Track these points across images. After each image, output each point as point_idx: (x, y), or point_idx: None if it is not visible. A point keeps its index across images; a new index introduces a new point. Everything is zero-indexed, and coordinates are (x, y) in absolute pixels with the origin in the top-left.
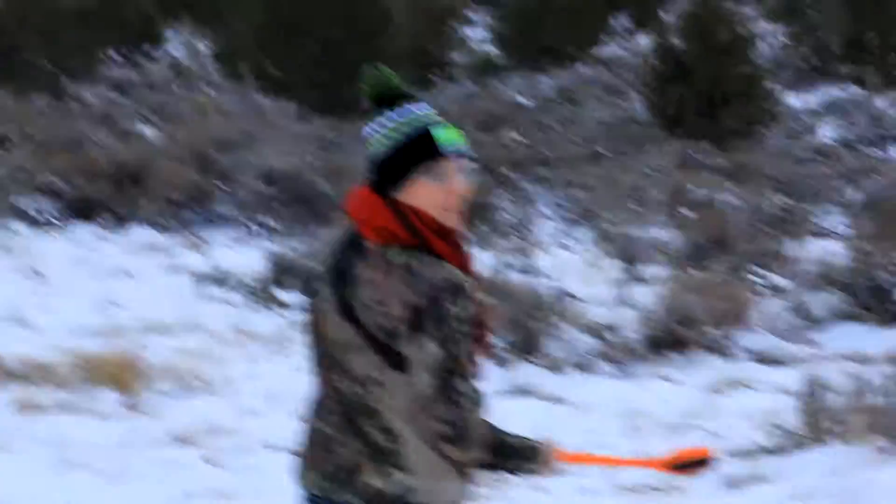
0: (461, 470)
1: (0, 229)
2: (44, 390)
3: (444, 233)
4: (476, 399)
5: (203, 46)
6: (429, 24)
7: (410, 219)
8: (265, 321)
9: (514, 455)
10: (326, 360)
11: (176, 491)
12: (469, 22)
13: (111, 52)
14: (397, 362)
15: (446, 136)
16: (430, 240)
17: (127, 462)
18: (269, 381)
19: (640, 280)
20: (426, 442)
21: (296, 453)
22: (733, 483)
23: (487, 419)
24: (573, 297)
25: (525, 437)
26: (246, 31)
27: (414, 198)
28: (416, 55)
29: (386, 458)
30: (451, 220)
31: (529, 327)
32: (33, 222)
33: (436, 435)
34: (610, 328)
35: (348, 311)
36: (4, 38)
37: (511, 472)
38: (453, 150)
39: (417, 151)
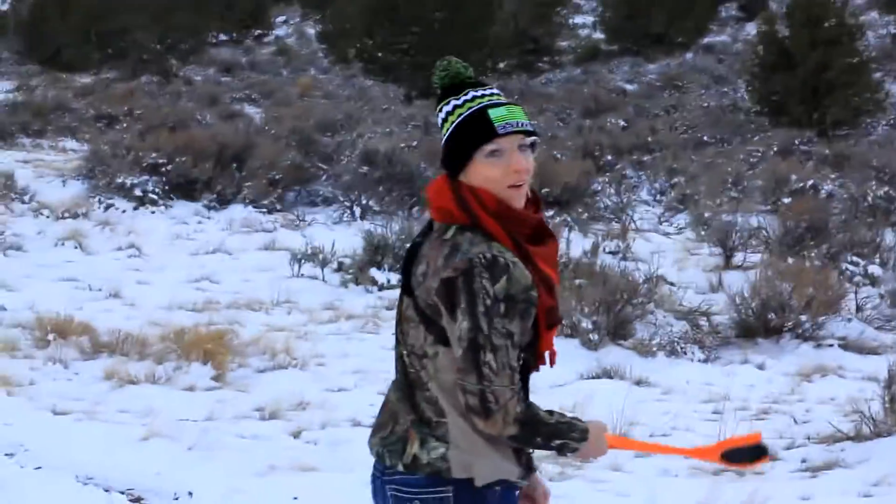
0: (500, 445)
1: (104, 207)
2: (135, 362)
3: (503, 212)
4: (509, 375)
5: (311, 30)
6: (535, 10)
7: (466, 199)
8: (358, 300)
9: (558, 434)
10: (398, 332)
11: (260, 464)
12: (577, 9)
13: (220, 35)
14: (442, 338)
15: (501, 114)
16: (482, 219)
17: (213, 434)
18: (358, 358)
19: (736, 266)
20: (460, 415)
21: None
22: (812, 468)
23: (528, 399)
24: (668, 282)
25: (572, 418)
26: (353, 15)
27: (475, 178)
28: (523, 41)
29: (431, 429)
30: (516, 198)
31: (620, 311)
32: (137, 200)
33: (465, 406)
34: (702, 313)
35: (407, 286)
36: (115, 20)
37: (556, 450)
38: (509, 128)
39: (474, 132)
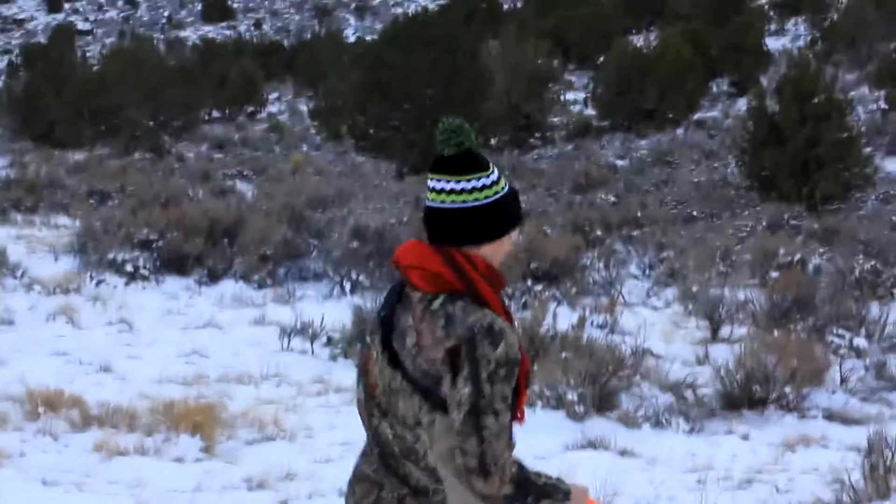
0: None
1: (96, 282)
2: (124, 435)
3: (492, 276)
4: (507, 437)
5: (303, 106)
6: (528, 86)
7: (462, 265)
8: (347, 373)
9: (545, 494)
10: (373, 405)
11: None
12: (568, 85)
13: (212, 111)
14: (440, 405)
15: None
16: (479, 285)
17: None
18: (346, 430)
19: (723, 340)
20: (457, 477)
21: (344, 492)
22: None
23: (517, 459)
24: (654, 354)
25: (557, 479)
26: (345, 91)
27: (490, 251)
28: (515, 117)
29: (429, 497)
30: (499, 271)
31: (606, 383)
32: (128, 275)
33: (463, 468)
34: (687, 385)
35: (393, 358)
36: (108, 97)
37: None
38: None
39: (514, 212)
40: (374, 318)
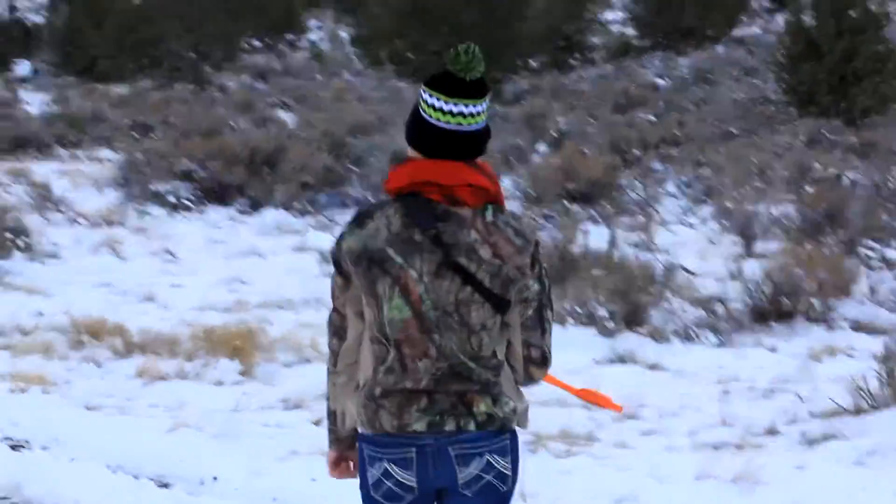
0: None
1: (139, 213)
2: (165, 360)
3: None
4: (551, 328)
5: (344, 33)
6: (566, 7)
7: (494, 174)
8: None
9: None
10: (430, 325)
11: (282, 449)
12: (607, 5)
13: (253, 41)
14: (504, 308)
15: None
16: (500, 194)
17: (238, 424)
18: None
19: (756, 255)
20: (516, 369)
21: (373, 399)
22: (811, 441)
23: None
24: (687, 271)
25: None
26: (385, 17)
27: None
28: (554, 39)
29: (492, 390)
30: None
31: (635, 299)
32: (170, 206)
33: (528, 359)
34: (718, 300)
35: (460, 272)
36: (149, 29)
37: None
38: None
39: None
40: (396, 242)
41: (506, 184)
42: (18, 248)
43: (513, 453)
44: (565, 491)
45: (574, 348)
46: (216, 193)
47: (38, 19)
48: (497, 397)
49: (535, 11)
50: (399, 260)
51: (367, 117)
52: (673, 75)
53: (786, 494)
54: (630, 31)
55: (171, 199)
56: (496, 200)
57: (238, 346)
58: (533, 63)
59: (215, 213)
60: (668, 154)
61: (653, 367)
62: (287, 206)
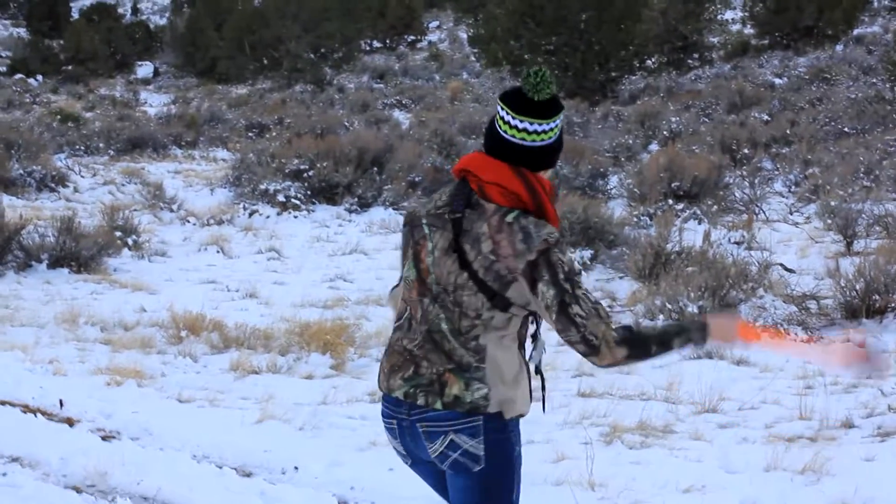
0: (525, 386)
1: (249, 213)
2: (259, 355)
3: (553, 197)
4: (598, 315)
5: (463, 34)
6: (684, 6)
7: (535, 187)
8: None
9: (670, 337)
10: (424, 288)
11: (363, 440)
12: (726, 4)
13: (373, 42)
14: (499, 304)
15: None
16: (546, 202)
17: (324, 416)
18: None
19: (856, 253)
20: (501, 360)
21: (381, 362)
22: (885, 434)
23: (621, 325)
24: (786, 268)
25: (678, 322)
26: (502, 17)
27: (543, 174)
28: (671, 38)
29: (470, 372)
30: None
31: (725, 294)
32: (280, 205)
33: (582, 354)
34: (811, 296)
35: (462, 258)
36: (269, 31)
37: (682, 347)
38: None
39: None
40: (431, 214)
41: (612, 182)
42: (128, 246)
43: (487, 435)
44: (634, 481)
45: None
46: (325, 192)
47: (161, 21)
48: (470, 382)
49: (652, 12)
50: (426, 230)
51: (480, 117)
52: (790, 74)
53: (849, 486)
54: (749, 30)
55: (281, 198)
56: (530, 209)
57: (330, 341)
58: (650, 62)
59: (323, 211)
60: (779, 153)
61: (739, 362)
62: (395, 205)
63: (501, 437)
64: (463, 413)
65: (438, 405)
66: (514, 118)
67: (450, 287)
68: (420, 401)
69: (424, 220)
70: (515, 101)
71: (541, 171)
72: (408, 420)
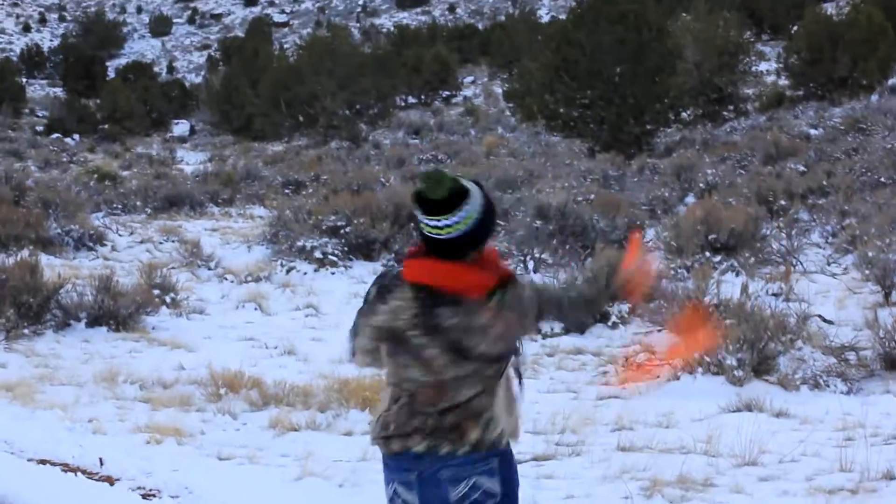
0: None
1: (286, 269)
2: (298, 412)
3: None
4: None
5: (498, 89)
6: (718, 59)
7: (496, 262)
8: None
9: (561, 298)
10: (443, 383)
11: None
12: (760, 56)
13: (408, 98)
14: (508, 359)
15: None
16: (505, 270)
17: (364, 473)
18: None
19: (894, 304)
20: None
21: (388, 428)
22: None
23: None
24: (824, 320)
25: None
26: (537, 72)
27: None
28: (705, 90)
29: (483, 416)
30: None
31: (763, 347)
32: (317, 262)
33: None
34: (850, 348)
35: (463, 354)
36: (305, 88)
37: (588, 305)
38: None
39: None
40: (413, 327)
41: (649, 235)
42: (166, 304)
43: (502, 472)
44: None
45: (702, 396)
46: (362, 248)
47: (196, 79)
48: (487, 423)
49: (686, 64)
50: (419, 342)
51: (515, 171)
52: (825, 125)
53: None
54: (783, 81)
55: (318, 254)
56: (501, 282)
57: (369, 398)
58: (685, 115)
59: (361, 267)
60: (815, 204)
61: (778, 414)
62: None
63: (510, 469)
64: (481, 454)
65: (461, 451)
66: (423, 217)
67: (461, 373)
68: (444, 450)
69: (412, 333)
70: (420, 202)
71: (483, 245)
72: (430, 471)
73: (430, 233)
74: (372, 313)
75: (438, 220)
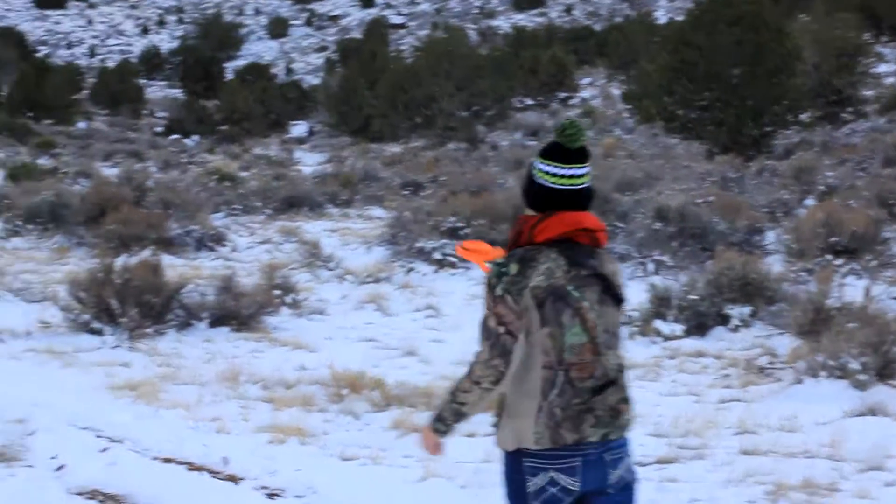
0: None
1: (406, 270)
2: (420, 413)
3: None
4: None
5: (616, 90)
6: (837, 60)
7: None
8: (642, 350)
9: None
10: (598, 345)
11: None
12: (879, 57)
13: (525, 99)
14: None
15: None
16: None
17: (486, 474)
18: (638, 405)
19: None
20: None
21: (555, 416)
22: None
23: None
24: None
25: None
26: (655, 74)
27: None
28: (824, 92)
29: (629, 396)
30: None
31: (888, 351)
32: (437, 263)
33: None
34: None
35: (617, 298)
36: (422, 89)
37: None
38: None
39: None
40: (571, 280)
41: (769, 238)
42: (286, 305)
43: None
44: None
45: (825, 401)
46: None
47: (314, 81)
48: (630, 403)
49: (805, 66)
50: (577, 294)
51: (634, 173)
52: None
53: None
54: None
55: (437, 255)
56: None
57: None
58: (804, 117)
59: (480, 269)
60: None
61: None
62: None
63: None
64: (626, 435)
65: (623, 433)
66: (561, 168)
67: (613, 328)
68: (614, 435)
69: (570, 287)
70: (558, 153)
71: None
72: (595, 454)
73: (569, 184)
74: (524, 280)
75: (581, 168)
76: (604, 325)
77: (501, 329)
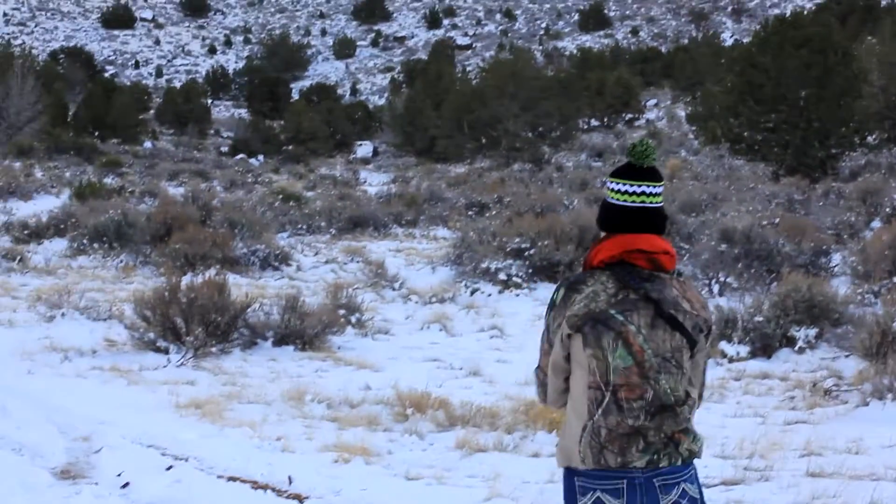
0: None
1: (470, 291)
2: (485, 433)
3: None
4: None
5: (681, 112)
6: None
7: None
8: (707, 372)
9: None
10: (645, 369)
11: None
12: None
13: (591, 120)
14: (694, 354)
15: None
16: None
17: (552, 495)
18: (701, 426)
19: None
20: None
21: (599, 435)
22: None
23: None
24: None
25: None
26: (721, 95)
27: None
28: (891, 114)
29: (691, 427)
30: None
31: None
32: (501, 284)
33: (700, 397)
34: None
35: (673, 323)
36: (487, 110)
37: None
38: None
39: None
40: (616, 304)
41: (835, 260)
42: (351, 324)
43: (697, 480)
44: None
45: (891, 423)
46: (546, 271)
47: (380, 101)
48: (694, 435)
49: (872, 88)
50: (620, 317)
51: (699, 195)
52: None
53: None
54: None
55: (502, 276)
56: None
57: (556, 420)
58: (870, 139)
59: (545, 290)
60: None
61: None
62: None
63: (699, 479)
64: (690, 463)
65: (679, 462)
66: (631, 185)
67: (668, 354)
68: (663, 463)
69: (613, 311)
70: (628, 171)
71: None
72: (642, 478)
73: (639, 202)
74: (567, 306)
75: (651, 187)
76: (654, 349)
77: (539, 362)
